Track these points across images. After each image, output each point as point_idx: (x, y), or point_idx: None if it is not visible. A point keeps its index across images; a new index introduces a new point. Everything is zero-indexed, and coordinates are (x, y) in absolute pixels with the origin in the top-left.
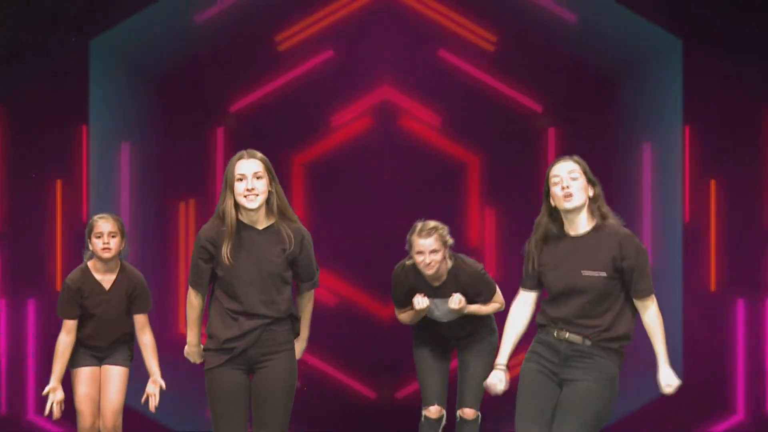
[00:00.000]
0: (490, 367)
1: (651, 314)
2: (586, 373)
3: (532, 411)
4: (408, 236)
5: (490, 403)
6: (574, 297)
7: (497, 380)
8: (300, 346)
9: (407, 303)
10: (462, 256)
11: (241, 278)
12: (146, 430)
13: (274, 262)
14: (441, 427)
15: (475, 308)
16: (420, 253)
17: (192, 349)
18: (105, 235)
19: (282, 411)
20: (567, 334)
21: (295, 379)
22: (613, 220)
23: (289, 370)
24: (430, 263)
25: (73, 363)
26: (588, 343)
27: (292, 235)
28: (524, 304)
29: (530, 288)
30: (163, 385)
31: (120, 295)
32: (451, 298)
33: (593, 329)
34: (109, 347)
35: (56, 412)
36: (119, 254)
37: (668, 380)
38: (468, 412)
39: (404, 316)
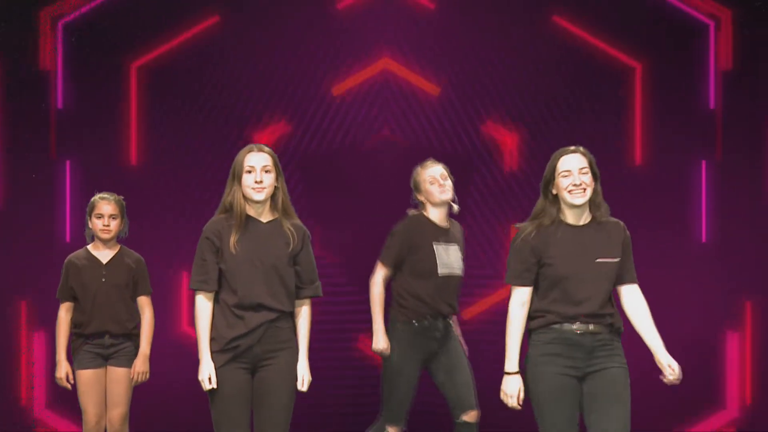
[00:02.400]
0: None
1: (641, 298)
2: (611, 359)
3: (566, 417)
4: (413, 179)
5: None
6: (590, 286)
7: (518, 389)
8: (303, 368)
9: (400, 260)
10: None
11: (245, 268)
12: (152, 430)
13: (278, 254)
14: None
15: None
16: (433, 181)
17: (206, 368)
18: (105, 217)
19: (284, 410)
20: (591, 326)
21: (296, 377)
22: (604, 208)
23: (291, 369)
24: (443, 185)
25: (78, 364)
26: (606, 330)
27: (293, 230)
28: (524, 302)
29: (528, 284)
30: (140, 368)
31: (119, 273)
32: None
33: (609, 316)
34: (112, 343)
35: (68, 386)
36: (119, 235)
37: (672, 363)
38: (474, 415)
39: (378, 292)
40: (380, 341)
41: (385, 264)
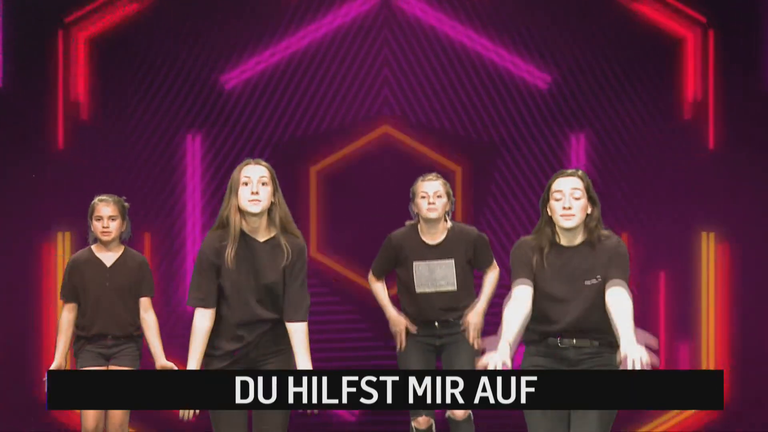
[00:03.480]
0: (474, 364)
1: (619, 297)
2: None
3: (549, 425)
4: (411, 189)
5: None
6: (574, 308)
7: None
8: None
9: (386, 270)
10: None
11: (242, 289)
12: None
13: (272, 275)
14: None
15: (486, 295)
16: (424, 196)
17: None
18: (105, 219)
19: (282, 414)
20: (574, 340)
21: None
22: (604, 233)
23: (288, 369)
24: (433, 203)
25: (80, 363)
26: (596, 344)
27: (290, 250)
28: (525, 291)
29: (527, 279)
30: (173, 366)
31: (122, 276)
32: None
33: (595, 332)
34: (114, 344)
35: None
36: (120, 237)
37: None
38: (458, 413)
39: (378, 287)
40: (393, 323)
41: (372, 272)
